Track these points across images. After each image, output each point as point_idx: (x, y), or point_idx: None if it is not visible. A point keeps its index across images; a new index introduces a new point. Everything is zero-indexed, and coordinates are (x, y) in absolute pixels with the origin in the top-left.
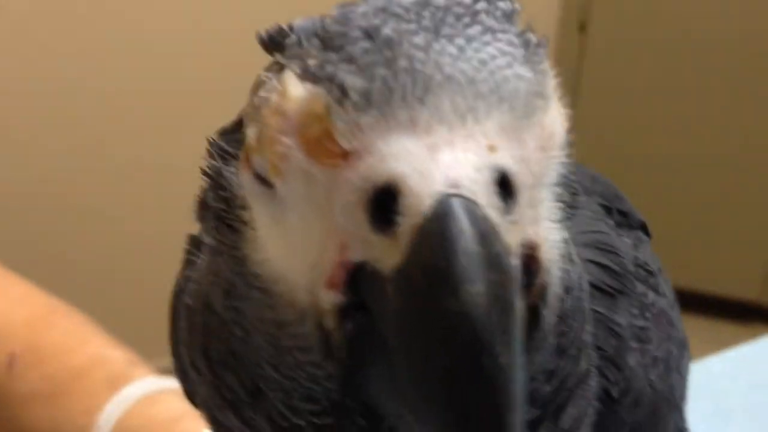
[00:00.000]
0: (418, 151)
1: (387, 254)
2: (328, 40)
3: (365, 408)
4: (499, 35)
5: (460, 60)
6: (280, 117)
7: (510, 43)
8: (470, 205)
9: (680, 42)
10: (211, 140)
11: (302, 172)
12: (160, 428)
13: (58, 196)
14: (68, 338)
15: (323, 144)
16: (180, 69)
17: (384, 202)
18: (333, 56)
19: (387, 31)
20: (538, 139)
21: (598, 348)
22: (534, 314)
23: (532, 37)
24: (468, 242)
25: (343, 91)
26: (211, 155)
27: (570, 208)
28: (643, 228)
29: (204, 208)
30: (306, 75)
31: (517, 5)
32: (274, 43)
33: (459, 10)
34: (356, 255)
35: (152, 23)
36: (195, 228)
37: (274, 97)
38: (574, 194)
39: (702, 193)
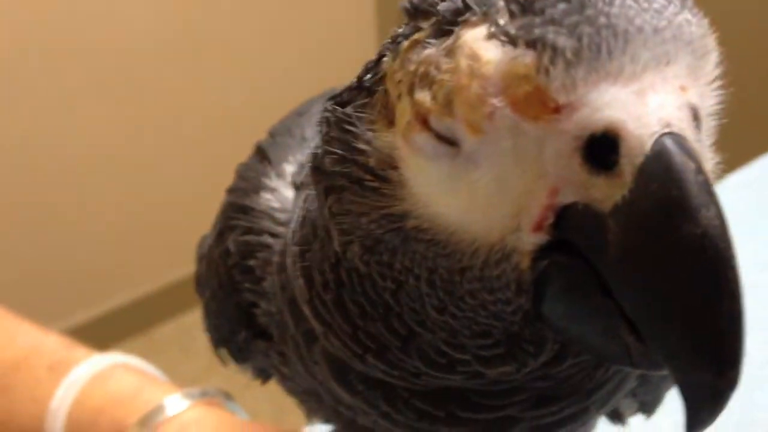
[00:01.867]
0: (628, 98)
1: (607, 193)
2: (525, 5)
3: (537, 336)
4: None
5: (642, 12)
6: (478, 79)
7: (679, 4)
8: (682, 141)
9: None
10: (333, 108)
11: (510, 128)
12: (120, 404)
13: None
14: None
15: (533, 101)
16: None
17: (601, 147)
18: (536, 20)
19: None
20: (708, 76)
21: None
22: None
23: None
24: (693, 173)
25: (555, 51)
26: (336, 122)
27: None
28: None
29: (320, 173)
30: (501, 38)
31: None
32: (420, 10)
33: None
34: (567, 198)
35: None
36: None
37: (462, 61)
38: None
39: None
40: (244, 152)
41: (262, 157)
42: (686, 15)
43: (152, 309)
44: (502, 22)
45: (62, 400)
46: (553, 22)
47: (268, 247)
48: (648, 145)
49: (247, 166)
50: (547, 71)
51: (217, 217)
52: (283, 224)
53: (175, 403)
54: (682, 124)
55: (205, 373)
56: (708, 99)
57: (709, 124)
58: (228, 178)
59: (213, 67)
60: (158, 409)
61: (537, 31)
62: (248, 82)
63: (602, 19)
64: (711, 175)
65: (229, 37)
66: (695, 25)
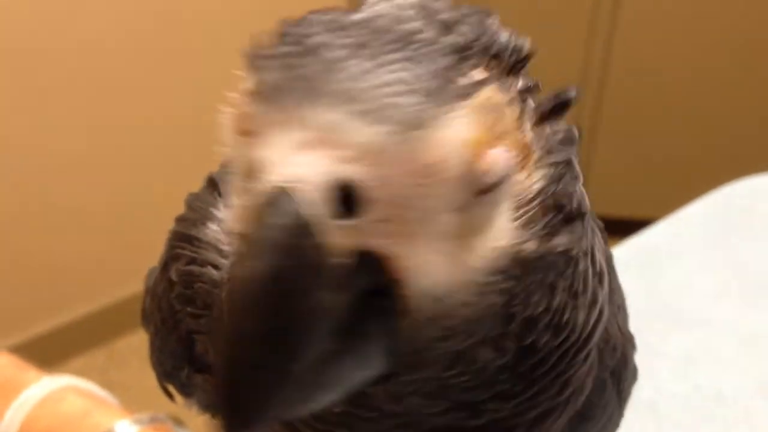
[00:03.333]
0: (281, 145)
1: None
2: (280, 38)
3: None
4: (415, 66)
5: (355, 79)
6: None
7: (421, 75)
8: (292, 200)
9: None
10: None
11: (233, 144)
12: (69, 427)
13: None
14: None
15: (238, 122)
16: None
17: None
18: (270, 52)
19: (313, 40)
20: (411, 166)
21: None
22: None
23: (473, 77)
24: (264, 228)
25: (254, 83)
26: None
27: None
28: None
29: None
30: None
31: (489, 39)
32: None
33: (393, 35)
34: None
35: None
36: None
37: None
38: None
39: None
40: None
41: (213, 188)
42: (412, 100)
43: (113, 321)
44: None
45: (10, 422)
46: (273, 58)
47: (211, 279)
48: (267, 190)
49: (197, 197)
50: (245, 101)
51: (164, 248)
52: (228, 257)
53: (125, 428)
54: (311, 188)
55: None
56: (402, 188)
57: (399, 213)
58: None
59: (191, 71)
60: None
61: (259, 62)
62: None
63: (302, 70)
64: (332, 249)
65: (205, 39)
66: (414, 114)
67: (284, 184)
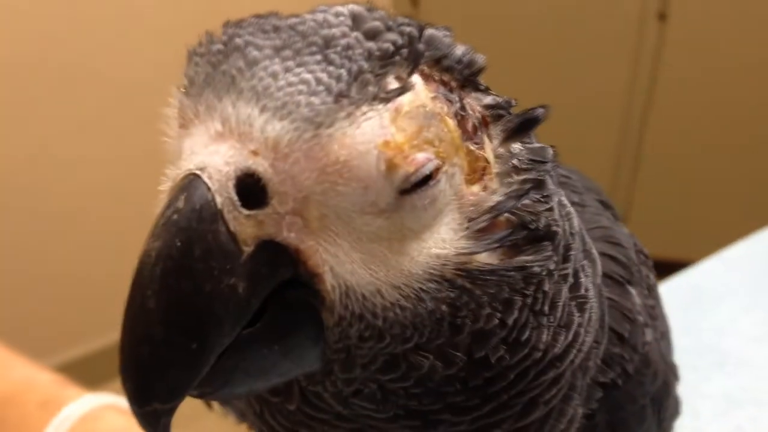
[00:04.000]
0: (199, 135)
1: None
2: (214, 36)
3: None
4: (330, 68)
5: (269, 77)
6: None
7: (334, 76)
8: (199, 187)
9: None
10: None
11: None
12: None
13: None
14: None
15: (177, 114)
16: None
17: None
18: (202, 49)
19: (238, 41)
20: (317, 162)
21: (613, 331)
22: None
23: (388, 84)
24: (171, 210)
25: (186, 77)
26: None
27: (579, 206)
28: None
29: None
30: None
31: (439, 52)
32: None
33: (314, 39)
34: None
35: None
36: None
37: None
38: (580, 193)
39: None
40: None
41: None
42: (318, 99)
43: None
44: None
45: None
46: (201, 55)
47: None
48: (180, 175)
49: None
50: (180, 94)
51: None
52: None
53: None
54: (217, 176)
55: (203, 411)
56: (308, 183)
57: (304, 207)
58: None
59: None
60: None
61: (193, 58)
62: None
63: (224, 67)
64: (233, 234)
65: None
66: (320, 113)
67: (194, 172)
